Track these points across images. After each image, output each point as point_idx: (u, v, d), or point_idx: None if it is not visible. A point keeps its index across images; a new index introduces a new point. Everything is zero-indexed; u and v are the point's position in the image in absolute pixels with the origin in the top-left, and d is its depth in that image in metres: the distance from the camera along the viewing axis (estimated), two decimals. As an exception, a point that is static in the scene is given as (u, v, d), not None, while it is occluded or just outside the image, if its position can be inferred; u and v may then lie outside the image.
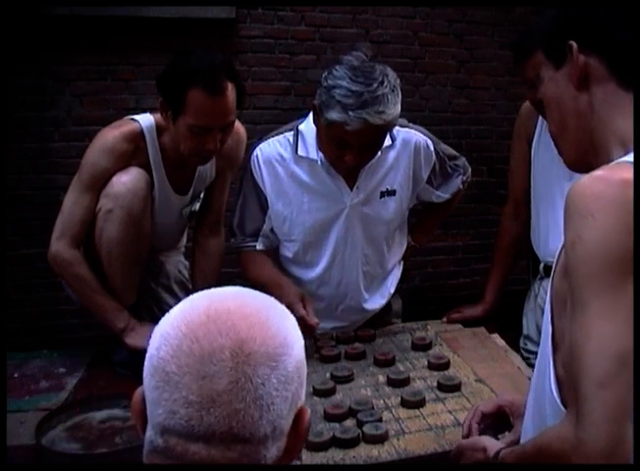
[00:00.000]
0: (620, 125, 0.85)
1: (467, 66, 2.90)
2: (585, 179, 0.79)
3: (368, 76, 1.45)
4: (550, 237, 1.85)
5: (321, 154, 1.63)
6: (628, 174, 0.77)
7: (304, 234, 1.71)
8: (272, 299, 0.71)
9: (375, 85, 1.43)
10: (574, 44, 0.86)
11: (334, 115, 1.45)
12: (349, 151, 1.52)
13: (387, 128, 1.52)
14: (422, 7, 2.79)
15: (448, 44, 2.86)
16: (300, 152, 1.66)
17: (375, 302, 1.83)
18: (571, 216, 0.79)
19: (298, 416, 0.67)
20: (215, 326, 0.63)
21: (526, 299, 2.05)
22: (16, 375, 1.63)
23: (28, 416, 1.41)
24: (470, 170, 1.94)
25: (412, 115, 2.26)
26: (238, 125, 1.72)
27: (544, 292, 1.90)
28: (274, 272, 1.74)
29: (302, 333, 0.71)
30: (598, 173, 0.80)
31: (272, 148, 1.70)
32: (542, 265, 1.90)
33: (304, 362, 0.69)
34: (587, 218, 0.76)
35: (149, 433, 0.64)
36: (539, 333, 1.92)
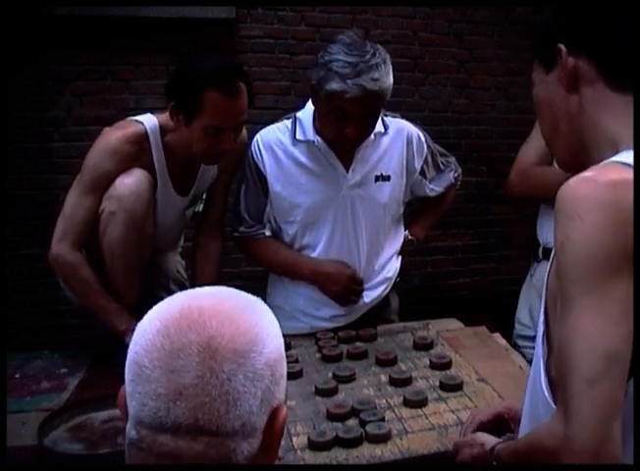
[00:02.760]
0: (610, 125, 0.85)
1: (467, 66, 2.91)
2: (573, 180, 0.80)
3: (361, 49, 1.56)
4: (552, 222, 1.86)
5: (318, 137, 1.70)
6: (617, 174, 0.78)
7: (303, 215, 1.75)
8: (253, 298, 0.73)
9: (368, 56, 1.55)
10: (563, 47, 0.87)
11: (333, 85, 1.54)
12: (350, 123, 1.58)
13: (382, 97, 1.59)
14: (422, 7, 2.80)
15: (448, 44, 2.86)
16: (298, 136, 1.73)
17: (373, 289, 1.84)
18: (560, 217, 0.80)
19: (274, 415, 0.68)
20: (186, 322, 0.65)
21: (523, 286, 2.05)
22: (17, 375, 1.63)
23: (30, 417, 1.41)
24: (460, 170, 1.97)
25: (412, 115, 2.26)
26: None
27: (539, 274, 1.91)
28: (292, 253, 1.81)
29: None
30: (586, 174, 0.80)
31: (271, 134, 1.77)
32: (541, 248, 1.91)
33: (281, 361, 0.70)
34: (575, 219, 0.77)
35: (128, 426, 0.67)
36: (530, 315, 1.93)
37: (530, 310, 1.95)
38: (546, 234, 1.90)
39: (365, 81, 1.53)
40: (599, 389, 0.73)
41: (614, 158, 0.82)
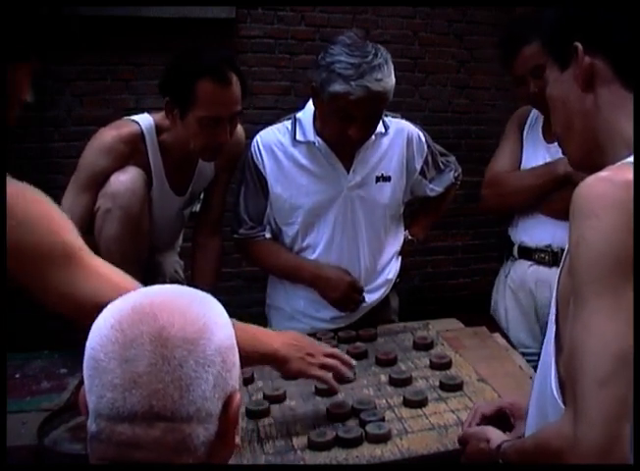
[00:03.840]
0: (625, 125, 0.86)
1: (467, 66, 2.91)
2: (590, 180, 0.80)
3: (362, 49, 1.55)
4: (527, 220, 1.88)
5: (318, 138, 1.69)
6: (632, 175, 0.78)
7: (303, 216, 1.75)
8: (201, 293, 0.75)
9: (370, 57, 1.53)
10: (579, 46, 0.87)
11: (337, 87, 1.53)
12: (353, 124, 1.57)
13: (385, 97, 1.58)
14: (422, 7, 2.80)
15: (448, 44, 2.87)
16: (299, 137, 1.72)
17: (374, 291, 1.84)
18: (576, 216, 0.79)
19: (228, 402, 0.71)
20: (138, 316, 0.68)
21: (496, 283, 2.03)
22: (17, 375, 1.63)
23: (30, 417, 1.40)
24: (461, 169, 1.97)
25: (412, 115, 2.26)
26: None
27: (514, 273, 1.92)
28: (293, 256, 1.80)
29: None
30: (602, 174, 0.80)
31: (271, 135, 1.76)
32: (516, 246, 1.91)
33: (231, 349, 0.73)
34: (591, 218, 0.77)
35: (88, 421, 0.69)
36: (505, 317, 1.92)
37: (506, 311, 1.95)
38: (520, 232, 1.90)
39: (369, 82, 1.51)
40: (609, 389, 0.73)
41: (630, 159, 0.82)
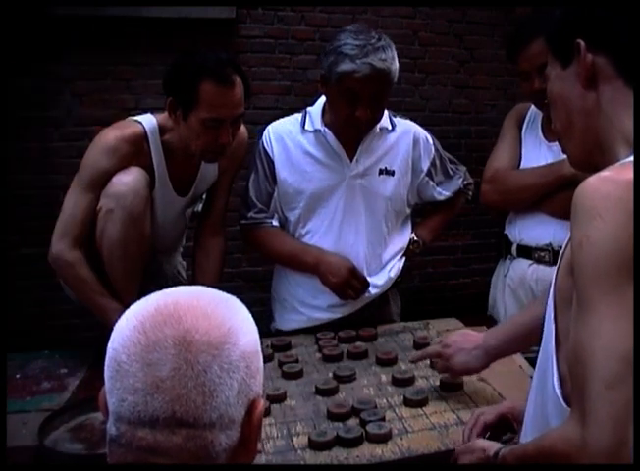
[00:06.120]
0: (627, 123, 0.85)
1: (467, 66, 2.91)
2: (593, 179, 0.79)
3: (367, 34, 1.65)
4: (526, 218, 1.89)
5: (325, 127, 1.76)
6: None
7: (305, 201, 1.80)
8: (227, 296, 0.74)
9: (374, 40, 1.63)
10: (582, 43, 0.86)
11: (343, 66, 1.61)
12: (360, 105, 1.64)
13: (389, 78, 1.64)
14: (422, 7, 2.80)
15: (448, 44, 2.87)
16: (307, 127, 1.80)
17: (373, 284, 1.83)
18: (579, 216, 0.79)
19: (251, 408, 0.69)
20: (162, 317, 0.66)
21: (493, 282, 2.04)
22: (17, 376, 1.63)
23: (31, 417, 1.40)
24: (472, 180, 1.98)
25: (412, 115, 2.26)
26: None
27: (513, 272, 1.92)
28: (297, 242, 1.84)
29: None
30: (605, 173, 0.80)
31: (282, 125, 1.84)
32: (515, 246, 1.91)
33: (256, 355, 0.71)
34: (595, 218, 0.76)
35: (108, 423, 0.68)
36: (505, 315, 1.92)
37: (505, 309, 1.95)
38: (519, 231, 1.91)
39: (373, 61, 1.59)
40: (617, 392, 0.72)
41: (632, 157, 0.82)
